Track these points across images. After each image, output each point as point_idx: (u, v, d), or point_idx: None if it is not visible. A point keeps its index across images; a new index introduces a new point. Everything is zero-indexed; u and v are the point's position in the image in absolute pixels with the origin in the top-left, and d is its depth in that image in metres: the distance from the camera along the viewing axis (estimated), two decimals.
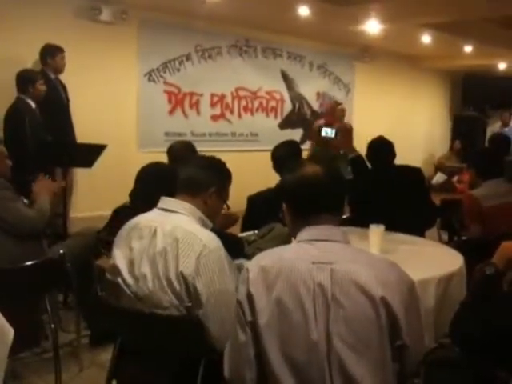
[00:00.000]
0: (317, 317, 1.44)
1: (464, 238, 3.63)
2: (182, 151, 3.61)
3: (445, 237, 4.40)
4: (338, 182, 1.65)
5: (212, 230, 2.09)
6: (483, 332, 1.75)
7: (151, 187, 2.86)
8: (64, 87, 5.31)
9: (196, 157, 2.37)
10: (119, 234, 2.10)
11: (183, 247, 1.88)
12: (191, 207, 2.03)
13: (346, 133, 3.79)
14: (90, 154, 4.39)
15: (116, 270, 2.01)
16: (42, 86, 4.77)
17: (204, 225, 2.05)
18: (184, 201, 2.05)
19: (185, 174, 2.13)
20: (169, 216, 2.01)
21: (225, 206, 2.24)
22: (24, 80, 4.73)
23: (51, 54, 5.14)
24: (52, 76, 5.13)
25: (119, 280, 1.99)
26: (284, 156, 3.31)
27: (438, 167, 10.27)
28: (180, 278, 1.86)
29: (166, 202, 2.07)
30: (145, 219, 2.05)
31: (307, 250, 1.54)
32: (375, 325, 1.43)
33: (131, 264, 1.97)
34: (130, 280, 1.96)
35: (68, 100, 5.35)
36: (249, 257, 2.37)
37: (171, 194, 2.09)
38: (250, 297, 1.50)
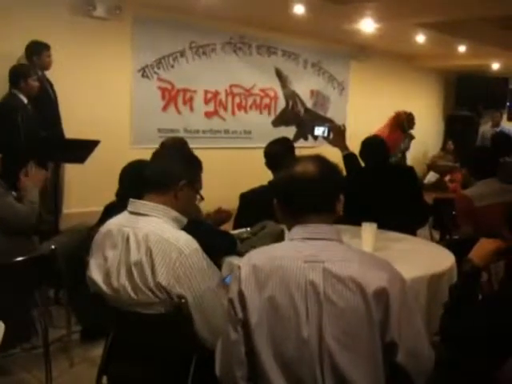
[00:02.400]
0: (309, 315, 1.45)
1: (456, 237, 3.64)
2: (173, 148, 3.60)
3: (436, 236, 4.42)
4: (330, 180, 1.60)
5: (205, 226, 2.06)
6: (472, 332, 1.76)
7: (133, 186, 2.85)
8: (50, 84, 5.27)
9: (159, 152, 2.22)
10: (94, 241, 2.02)
11: (158, 257, 1.81)
12: (163, 208, 1.93)
13: (338, 131, 3.80)
14: (83, 149, 4.37)
15: (92, 282, 1.96)
16: (34, 82, 4.74)
17: (178, 224, 1.96)
18: (153, 201, 1.94)
19: (150, 172, 2.02)
20: (139, 220, 1.91)
21: (198, 197, 2.10)
22: (16, 75, 4.71)
23: (37, 51, 5.07)
24: (39, 72, 5.08)
25: (97, 290, 1.95)
26: (277, 153, 3.32)
27: (431, 166, 10.30)
28: (160, 287, 1.81)
29: (135, 205, 1.96)
30: (116, 225, 1.95)
31: (299, 248, 1.53)
32: (367, 322, 1.43)
33: (107, 275, 1.91)
34: (108, 291, 1.91)
35: (55, 96, 5.31)
36: (241, 254, 2.37)
37: (156, 186, 2.01)
38: (241, 295, 1.50)
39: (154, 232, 1.86)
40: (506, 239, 1.98)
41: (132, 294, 1.85)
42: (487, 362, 1.69)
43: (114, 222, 1.99)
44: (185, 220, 2.01)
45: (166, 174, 1.99)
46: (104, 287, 1.92)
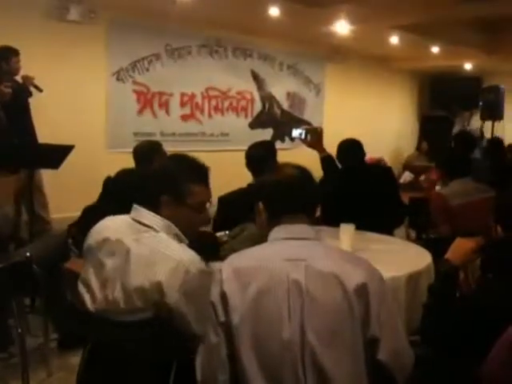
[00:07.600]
0: (291, 315, 1.45)
1: (432, 235, 3.69)
2: (146, 151, 3.58)
3: (413, 235, 4.48)
4: (312, 184, 1.70)
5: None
6: (451, 331, 1.78)
7: (123, 197, 2.82)
8: (26, 89, 5.16)
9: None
10: (88, 242, 1.93)
11: (165, 279, 1.72)
12: (165, 223, 1.84)
13: (315, 133, 3.81)
14: (57, 154, 4.31)
15: (86, 284, 1.89)
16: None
17: (180, 241, 1.87)
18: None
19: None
20: (142, 234, 1.82)
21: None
22: None
23: (5, 56, 4.91)
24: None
25: (87, 297, 1.88)
26: (261, 157, 3.32)
27: (406, 166, 10.40)
28: (165, 305, 1.76)
29: (139, 213, 1.87)
30: (115, 232, 1.86)
31: (281, 248, 1.56)
32: (349, 318, 1.45)
33: (104, 285, 1.84)
34: (102, 301, 1.85)
35: (28, 102, 5.20)
36: (222, 258, 2.35)
37: (145, 201, 1.95)
38: (223, 296, 1.50)
39: (158, 251, 1.77)
40: (491, 236, 2.01)
41: (122, 306, 1.80)
42: (467, 361, 1.71)
43: (111, 228, 1.89)
44: (186, 240, 1.89)
45: (146, 189, 1.90)
46: (98, 295, 1.85)
